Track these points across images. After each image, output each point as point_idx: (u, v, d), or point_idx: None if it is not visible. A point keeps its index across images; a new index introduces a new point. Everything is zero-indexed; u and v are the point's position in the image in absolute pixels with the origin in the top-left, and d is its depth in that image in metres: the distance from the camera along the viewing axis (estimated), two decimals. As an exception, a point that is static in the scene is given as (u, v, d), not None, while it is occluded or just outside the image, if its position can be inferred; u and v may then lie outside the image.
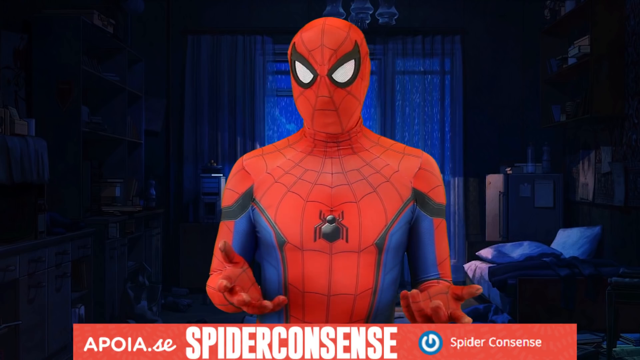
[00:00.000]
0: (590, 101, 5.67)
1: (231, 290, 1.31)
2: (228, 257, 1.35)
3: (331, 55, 1.45)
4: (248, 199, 1.53)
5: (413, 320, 1.30)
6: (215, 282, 1.51)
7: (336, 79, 1.46)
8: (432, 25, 7.37)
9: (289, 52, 1.52)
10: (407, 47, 7.36)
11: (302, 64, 1.47)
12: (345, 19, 5.91)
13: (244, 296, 1.29)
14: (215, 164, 7.13)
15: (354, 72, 1.47)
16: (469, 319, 1.26)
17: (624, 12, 5.51)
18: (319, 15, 6.02)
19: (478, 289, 1.26)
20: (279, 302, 1.32)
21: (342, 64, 1.46)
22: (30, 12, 5.12)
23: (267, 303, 1.31)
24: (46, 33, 5.06)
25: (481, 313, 5.47)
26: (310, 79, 1.46)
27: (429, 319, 1.28)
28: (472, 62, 7.40)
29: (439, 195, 1.54)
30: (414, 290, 1.28)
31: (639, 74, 5.28)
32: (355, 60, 1.47)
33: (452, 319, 1.28)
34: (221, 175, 7.01)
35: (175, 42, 7.30)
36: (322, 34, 1.46)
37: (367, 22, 6.28)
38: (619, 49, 5.53)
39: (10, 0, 4.95)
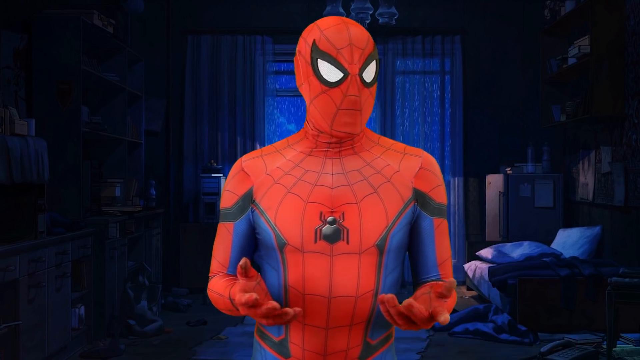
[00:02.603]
0: (590, 101, 5.67)
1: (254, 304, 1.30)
2: (245, 273, 1.35)
3: (360, 54, 1.45)
4: (248, 200, 1.52)
5: (395, 323, 1.29)
6: (218, 286, 1.51)
7: (365, 79, 1.46)
8: (432, 25, 7.37)
9: (304, 49, 1.48)
10: (407, 47, 7.36)
11: (329, 62, 1.45)
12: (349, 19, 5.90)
13: (273, 303, 1.29)
14: (215, 164, 7.13)
15: (375, 73, 1.48)
16: (446, 317, 1.25)
17: (624, 12, 5.51)
18: (319, 15, 6.02)
19: (451, 281, 1.26)
20: (297, 312, 1.32)
21: (369, 64, 1.46)
22: (30, 12, 5.13)
23: (289, 310, 1.31)
24: (46, 33, 5.06)
25: (481, 313, 5.47)
26: (338, 77, 1.44)
27: (409, 320, 1.27)
28: (472, 62, 7.40)
29: (439, 195, 1.53)
30: (390, 295, 1.27)
31: (639, 74, 5.28)
32: (376, 61, 1.49)
33: (433, 316, 1.27)
34: (221, 175, 7.01)
35: (175, 42, 7.30)
36: (349, 32, 1.45)
37: (367, 22, 6.28)
38: (619, 49, 5.53)
39: (10, 0, 4.95)
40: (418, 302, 1.31)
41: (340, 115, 1.45)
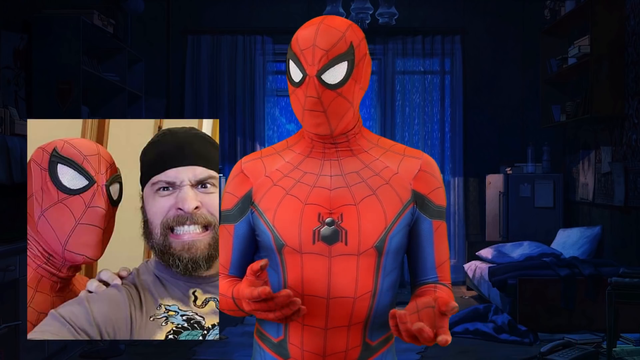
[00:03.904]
0: (590, 101, 5.67)
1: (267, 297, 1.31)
2: (260, 274, 1.34)
3: (322, 55, 1.43)
4: (247, 202, 1.53)
5: (401, 337, 1.29)
6: (220, 287, 1.51)
7: (325, 80, 1.44)
8: (432, 25, 7.38)
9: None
10: (407, 47, 7.36)
11: (294, 63, 1.46)
12: (346, 18, 5.91)
13: (286, 291, 1.29)
14: (215, 164, 7.12)
15: (345, 74, 1.45)
16: (444, 338, 1.24)
17: (624, 12, 5.51)
18: (319, 15, 6.03)
19: (454, 307, 1.26)
20: (303, 309, 1.33)
21: (333, 65, 1.43)
22: (30, 12, 5.13)
23: (297, 299, 1.31)
24: (46, 33, 5.07)
25: (481, 313, 5.47)
26: (300, 78, 1.45)
27: (416, 337, 1.27)
28: (472, 62, 7.41)
29: (439, 198, 1.53)
30: (403, 312, 1.27)
31: (639, 74, 5.28)
32: (348, 62, 1.45)
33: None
34: (221, 175, 7.00)
35: (175, 42, 7.30)
36: (316, 33, 1.44)
37: (367, 22, 6.28)
38: (619, 49, 5.53)
39: (10, 0, 4.95)
40: (421, 314, 1.32)
41: (306, 115, 1.46)
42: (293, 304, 1.30)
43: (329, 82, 1.44)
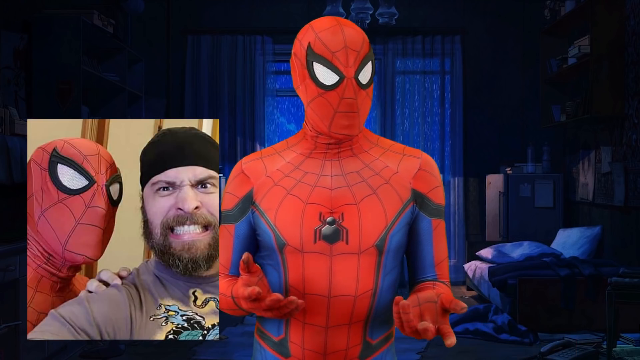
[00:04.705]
0: (590, 101, 5.67)
1: (257, 297, 1.32)
2: (247, 268, 1.36)
3: (356, 57, 1.45)
4: (248, 202, 1.53)
5: (401, 328, 1.30)
6: (220, 286, 1.52)
7: (361, 81, 1.46)
8: (432, 25, 7.38)
9: (299, 52, 1.48)
10: (407, 47, 7.36)
11: (324, 66, 1.45)
12: (346, 19, 5.91)
13: (276, 295, 1.31)
14: (215, 164, 7.12)
15: (372, 73, 1.48)
16: (452, 341, 1.26)
17: (624, 12, 5.51)
18: (319, 15, 6.02)
19: (463, 307, 1.27)
20: (299, 304, 1.33)
21: (364, 66, 1.46)
22: (30, 12, 5.13)
23: (293, 298, 1.32)
24: (46, 33, 5.07)
25: (481, 313, 5.47)
26: (334, 80, 1.44)
27: (415, 331, 1.28)
28: (472, 62, 7.41)
29: (438, 196, 1.54)
30: (406, 302, 1.27)
31: (639, 74, 5.28)
32: (372, 62, 1.48)
33: (439, 333, 1.29)
34: (221, 175, 7.00)
35: (175, 42, 7.30)
36: (343, 35, 1.45)
37: (367, 22, 6.28)
38: (619, 49, 5.53)
39: (10, 0, 4.95)
40: (423, 308, 1.33)
41: (338, 117, 1.46)
42: (290, 303, 1.31)
43: (363, 83, 1.46)
